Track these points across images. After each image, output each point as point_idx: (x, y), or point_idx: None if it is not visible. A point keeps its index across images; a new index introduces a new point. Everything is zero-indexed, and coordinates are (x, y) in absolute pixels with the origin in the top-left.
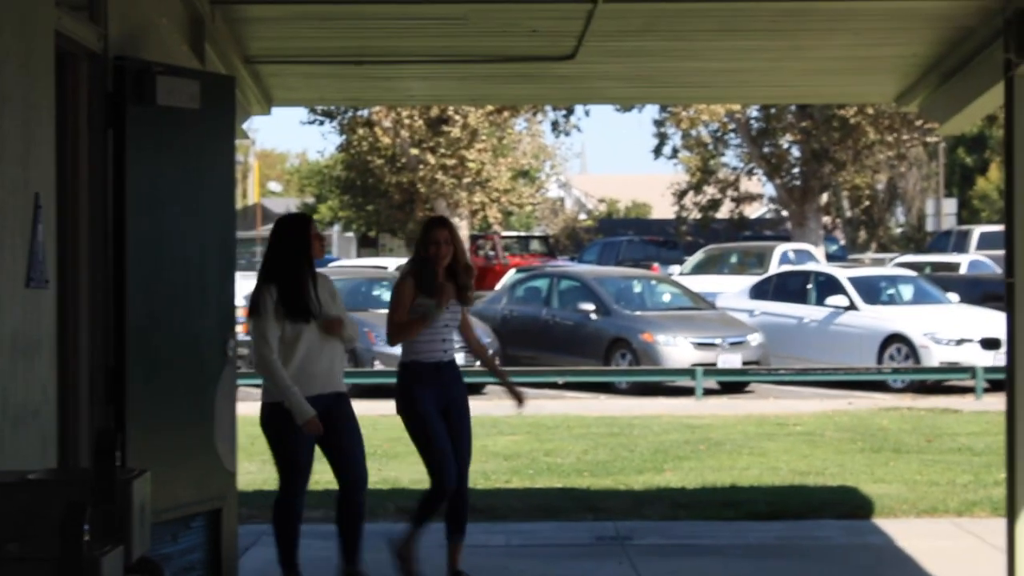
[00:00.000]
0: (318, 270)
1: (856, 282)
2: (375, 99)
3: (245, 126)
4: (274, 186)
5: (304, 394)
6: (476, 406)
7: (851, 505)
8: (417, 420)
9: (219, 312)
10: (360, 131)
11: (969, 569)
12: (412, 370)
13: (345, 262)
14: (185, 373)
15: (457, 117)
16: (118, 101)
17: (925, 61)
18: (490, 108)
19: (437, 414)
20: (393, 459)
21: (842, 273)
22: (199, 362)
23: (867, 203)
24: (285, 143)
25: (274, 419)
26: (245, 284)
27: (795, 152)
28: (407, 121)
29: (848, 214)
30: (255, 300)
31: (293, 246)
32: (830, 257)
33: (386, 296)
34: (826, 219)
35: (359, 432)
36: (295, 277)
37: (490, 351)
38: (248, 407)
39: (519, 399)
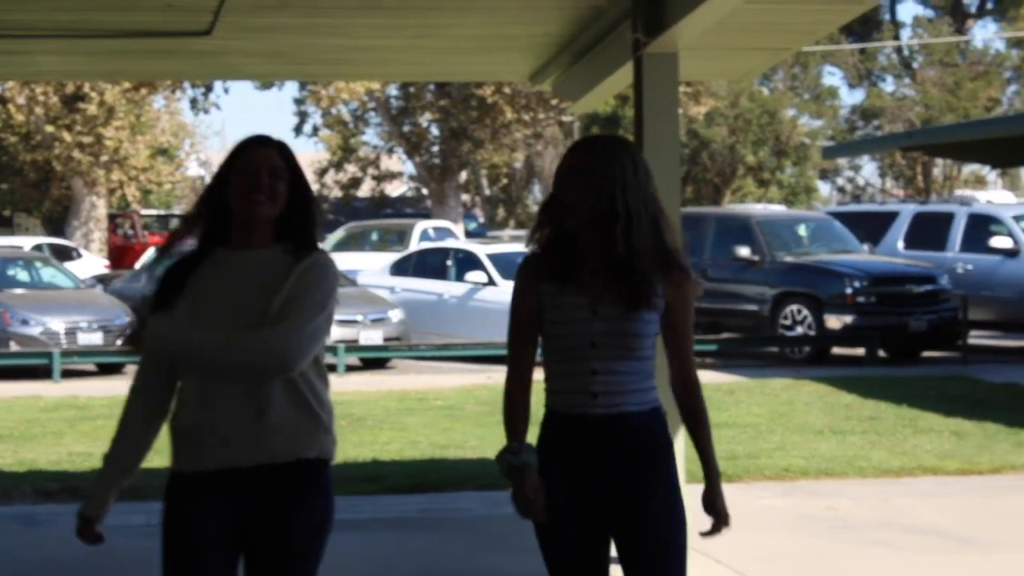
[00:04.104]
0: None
1: (495, 258)
2: (5, 74)
3: None
4: None
5: (192, 465)
6: (111, 386)
7: (490, 477)
8: (537, 520)
9: None
10: None
11: None
12: (545, 424)
13: None
14: None
15: (94, 94)
16: None
17: (557, 40)
18: (127, 85)
19: (575, 513)
20: (29, 440)
21: (481, 250)
22: None
23: (505, 181)
24: None
25: (167, 498)
26: None
27: (434, 131)
28: (41, 98)
29: (487, 192)
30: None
31: (206, 194)
32: (470, 234)
33: (21, 276)
34: (465, 197)
35: (306, 557)
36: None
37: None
38: None
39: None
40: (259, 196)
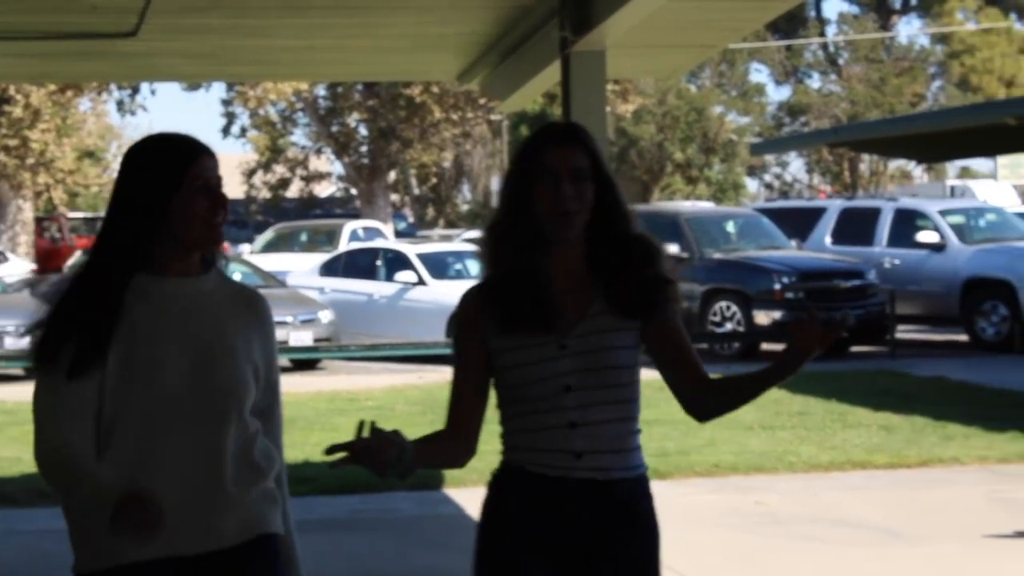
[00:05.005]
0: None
1: (424, 258)
2: None
3: None
4: None
5: (120, 556)
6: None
7: (421, 476)
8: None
9: None
10: None
11: None
12: (503, 483)
13: None
14: None
15: (19, 97)
16: None
17: (485, 39)
18: (53, 87)
19: None
20: None
21: (410, 249)
22: None
23: (434, 180)
24: None
25: None
26: None
27: (363, 131)
28: None
29: (416, 191)
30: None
31: (129, 211)
32: (399, 234)
33: None
34: (395, 196)
35: None
36: (101, 282)
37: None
38: None
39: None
40: (219, 219)
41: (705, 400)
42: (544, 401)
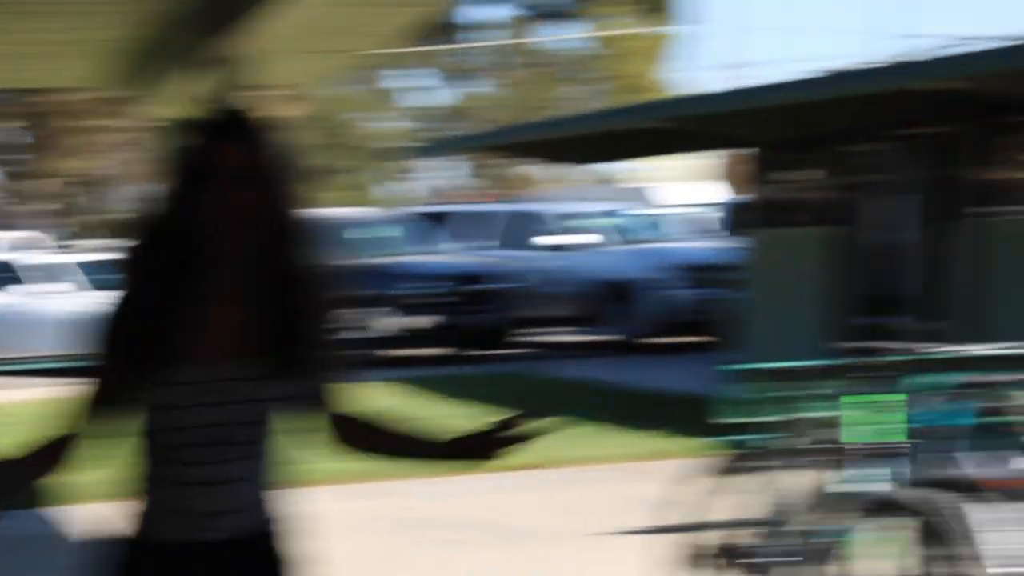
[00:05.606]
0: None
1: (36, 269)
2: None
3: None
4: None
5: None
6: None
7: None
8: None
9: None
10: None
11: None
12: (125, 560)
13: None
14: None
15: None
16: None
17: (131, 44)
18: None
19: None
20: None
21: (18, 259)
22: None
23: (86, 188)
24: None
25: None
26: None
27: (16, 139)
28: None
29: (75, 199)
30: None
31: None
32: (59, 244)
33: None
34: (51, 206)
35: None
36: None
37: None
38: None
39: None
40: None
41: (339, 435)
42: (166, 452)
